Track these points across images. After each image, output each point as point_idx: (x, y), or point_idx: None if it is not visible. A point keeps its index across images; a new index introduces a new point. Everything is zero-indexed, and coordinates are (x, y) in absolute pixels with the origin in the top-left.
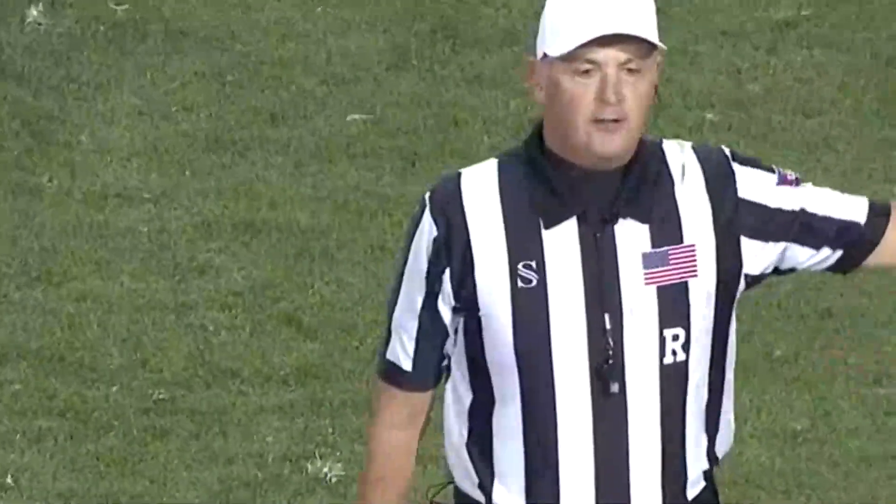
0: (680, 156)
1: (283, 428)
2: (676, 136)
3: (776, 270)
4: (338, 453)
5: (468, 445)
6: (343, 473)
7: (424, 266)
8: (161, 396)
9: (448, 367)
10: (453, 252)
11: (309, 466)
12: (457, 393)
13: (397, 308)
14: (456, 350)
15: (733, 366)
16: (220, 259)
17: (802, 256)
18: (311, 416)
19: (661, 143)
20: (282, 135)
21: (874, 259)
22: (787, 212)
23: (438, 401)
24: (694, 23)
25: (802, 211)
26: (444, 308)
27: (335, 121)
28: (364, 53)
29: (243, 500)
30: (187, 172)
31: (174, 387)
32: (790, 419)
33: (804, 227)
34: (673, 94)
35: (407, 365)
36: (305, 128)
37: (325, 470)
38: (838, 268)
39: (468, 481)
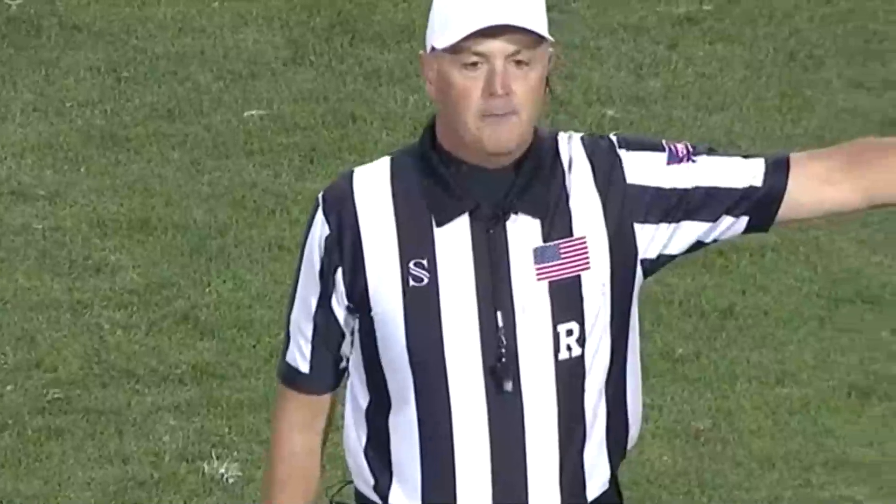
0: (568, 148)
1: (180, 427)
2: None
3: (690, 249)
4: (235, 453)
5: (366, 448)
6: (240, 473)
7: (317, 266)
8: (56, 396)
9: (346, 369)
10: (344, 251)
11: (206, 466)
12: (354, 395)
13: (294, 310)
14: (353, 351)
15: (637, 356)
16: (116, 257)
17: (701, 230)
18: (207, 415)
19: (556, 135)
20: (178, 131)
21: (787, 213)
22: (679, 190)
23: (340, 403)
24: (594, 18)
25: (695, 187)
26: (338, 308)
27: (232, 117)
28: (261, 49)
29: (139, 501)
30: (82, 169)
31: (69, 386)
32: (692, 419)
33: (698, 203)
34: (573, 89)
35: (304, 367)
36: (202, 124)
37: (222, 470)
38: (753, 230)
39: (365, 483)
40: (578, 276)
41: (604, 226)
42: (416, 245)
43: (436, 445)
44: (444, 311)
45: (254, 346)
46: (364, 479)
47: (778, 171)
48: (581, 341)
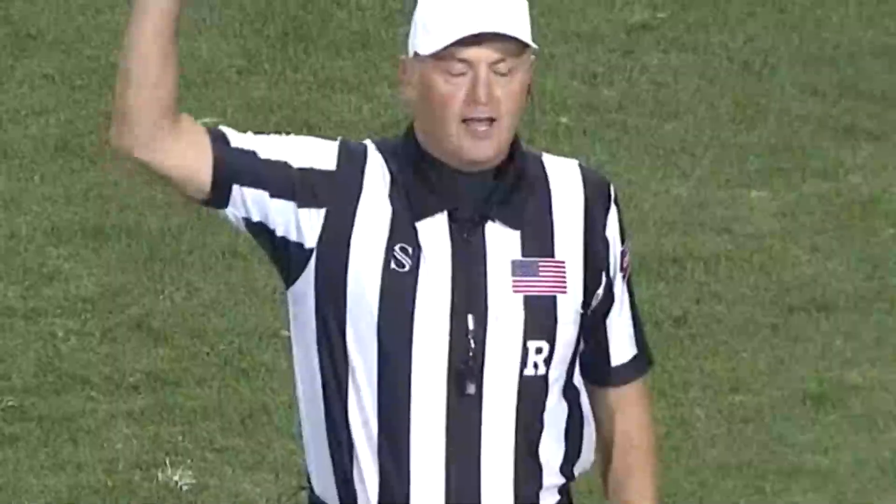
0: (560, 170)
1: (134, 435)
2: (530, 142)
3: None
4: (189, 461)
5: (329, 447)
6: (194, 481)
7: (310, 172)
8: (10, 403)
9: (228, 198)
10: (337, 194)
11: (160, 474)
12: (311, 398)
13: (267, 137)
14: (310, 333)
15: (580, 381)
16: (70, 264)
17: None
18: (161, 423)
19: (541, 155)
20: None
21: (593, 404)
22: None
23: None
24: (548, 25)
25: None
26: (286, 207)
27: None
28: (215, 57)
29: None
30: (36, 177)
31: (23, 393)
32: None
33: (594, 315)
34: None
35: (228, 139)
36: None
37: (176, 478)
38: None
39: (322, 482)
40: (554, 298)
41: (582, 256)
42: (403, 232)
43: (392, 441)
44: (419, 302)
45: (207, 354)
46: (322, 478)
47: (627, 374)
48: (548, 362)
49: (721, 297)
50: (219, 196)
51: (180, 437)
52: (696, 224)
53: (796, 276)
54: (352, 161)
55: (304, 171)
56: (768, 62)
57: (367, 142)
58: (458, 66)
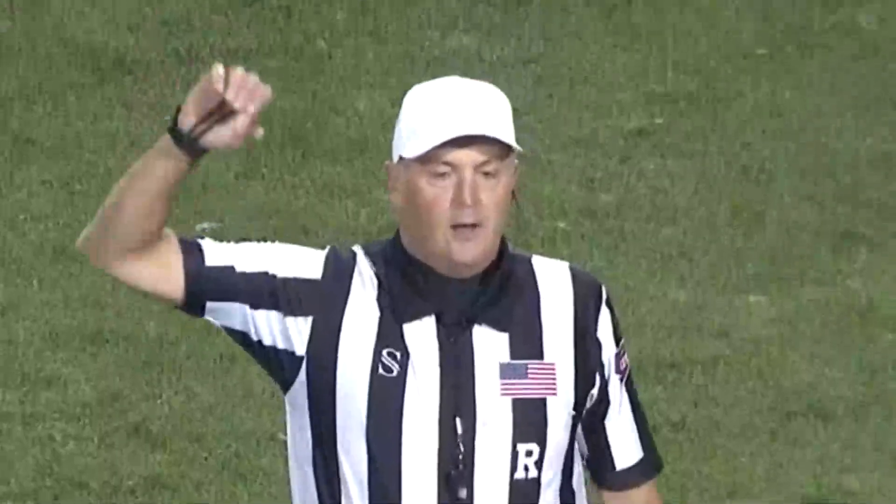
0: (549, 272)
1: None
2: (528, 246)
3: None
4: None
5: None
6: None
7: (293, 282)
8: None
9: (203, 309)
10: (325, 304)
11: None
12: (305, 489)
13: (248, 245)
14: (302, 445)
15: (583, 485)
16: (68, 370)
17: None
18: None
19: (530, 257)
20: None
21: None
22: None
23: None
24: (545, 131)
25: (606, 403)
26: (274, 319)
27: (184, 230)
28: (213, 162)
29: None
30: (34, 282)
31: (21, 498)
32: None
33: (592, 417)
34: (525, 202)
35: (206, 247)
36: None
37: None
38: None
39: None
40: (544, 400)
41: (573, 357)
42: (390, 336)
43: None
44: (407, 408)
45: (206, 458)
46: None
47: (633, 478)
48: (539, 464)
49: (719, 402)
50: (192, 308)
51: None
52: (694, 329)
53: (794, 381)
54: (338, 268)
55: (288, 281)
56: (766, 168)
57: (356, 247)
58: (444, 169)
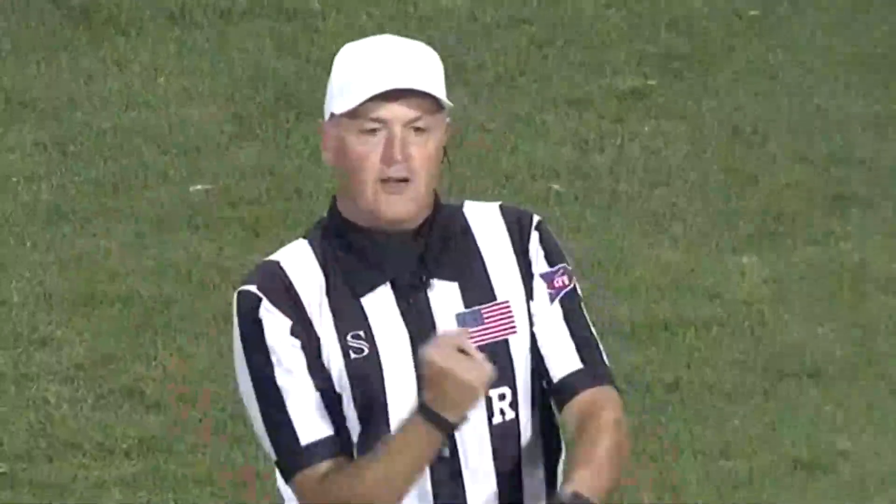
0: (481, 216)
1: (126, 501)
2: (522, 207)
3: None
4: None
5: None
6: None
7: (295, 352)
8: (1, 470)
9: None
10: (307, 337)
11: None
12: None
13: (287, 396)
14: None
15: (558, 420)
16: (62, 331)
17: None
18: (153, 489)
19: (461, 205)
20: (123, 205)
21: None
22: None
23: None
24: (538, 92)
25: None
26: (325, 377)
27: (177, 191)
28: (206, 123)
29: None
30: (28, 243)
31: (15, 460)
32: (636, 492)
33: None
34: (518, 164)
35: (328, 431)
36: (147, 198)
37: None
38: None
39: None
40: (506, 340)
41: (523, 291)
42: (349, 318)
43: None
44: (387, 377)
45: (200, 420)
46: None
47: (579, 384)
48: (514, 405)
49: (712, 363)
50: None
51: (172, 503)
52: (687, 290)
53: (787, 342)
54: (285, 300)
55: (305, 355)
56: (759, 129)
57: (275, 256)
58: (373, 125)
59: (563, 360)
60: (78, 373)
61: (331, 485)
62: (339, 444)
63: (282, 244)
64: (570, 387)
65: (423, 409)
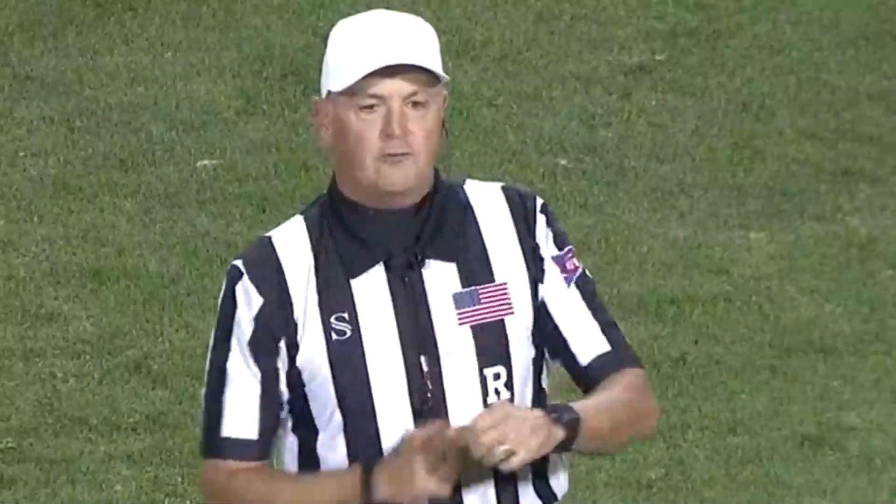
0: (482, 195)
1: (133, 476)
2: (529, 183)
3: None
4: (187, 502)
5: None
6: None
7: (251, 338)
8: (8, 444)
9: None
10: (285, 319)
11: None
12: (281, 453)
13: (229, 383)
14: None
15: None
16: (69, 306)
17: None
18: (160, 464)
19: (463, 183)
20: (130, 180)
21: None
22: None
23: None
24: (546, 68)
25: (548, 312)
26: (282, 374)
27: (184, 166)
28: (213, 98)
29: None
30: (35, 218)
31: (22, 435)
32: (644, 468)
33: (541, 326)
34: (525, 139)
35: (252, 433)
36: (154, 174)
37: None
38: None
39: None
40: (502, 321)
41: (525, 272)
42: (335, 299)
43: None
44: (370, 360)
45: None
46: None
47: (609, 366)
48: (509, 385)
49: (719, 339)
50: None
51: (179, 479)
52: (694, 266)
53: (794, 317)
54: (268, 279)
55: (261, 349)
56: (766, 105)
57: (270, 234)
58: (371, 101)
59: (590, 344)
60: (85, 348)
61: (237, 485)
62: (258, 449)
63: (288, 219)
64: (600, 369)
65: (368, 473)
